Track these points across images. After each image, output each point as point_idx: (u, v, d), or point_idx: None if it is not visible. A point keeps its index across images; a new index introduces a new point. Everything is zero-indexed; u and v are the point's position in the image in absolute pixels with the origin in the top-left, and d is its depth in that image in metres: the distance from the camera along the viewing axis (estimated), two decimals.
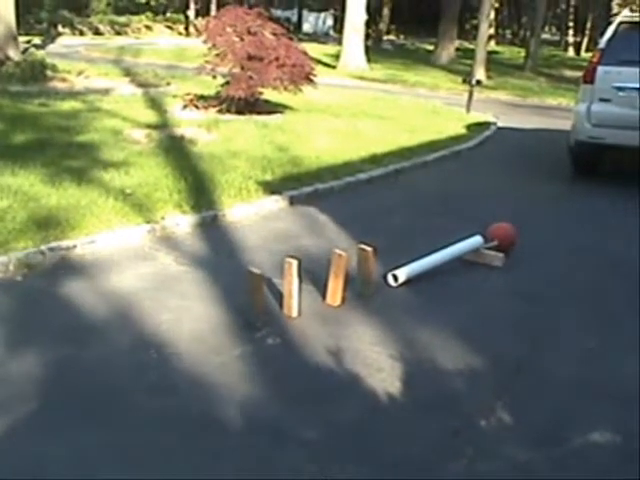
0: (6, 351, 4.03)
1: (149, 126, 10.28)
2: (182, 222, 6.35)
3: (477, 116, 14.29)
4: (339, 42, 27.16)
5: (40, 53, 17.75)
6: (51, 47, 23.12)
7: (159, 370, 3.93)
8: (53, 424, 3.40)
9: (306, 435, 3.42)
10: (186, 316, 4.60)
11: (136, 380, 3.83)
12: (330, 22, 39.99)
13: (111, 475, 3.06)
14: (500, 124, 13.80)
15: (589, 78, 8.94)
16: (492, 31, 39.12)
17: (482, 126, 13.20)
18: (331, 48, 29.30)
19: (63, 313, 4.56)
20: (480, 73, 21.58)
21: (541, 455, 3.34)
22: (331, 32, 38.51)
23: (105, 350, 4.11)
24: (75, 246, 5.55)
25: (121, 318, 4.52)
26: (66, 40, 30.64)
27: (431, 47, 33.45)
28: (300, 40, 17.43)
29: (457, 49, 31.26)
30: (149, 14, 40.02)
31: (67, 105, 11.48)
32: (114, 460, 3.16)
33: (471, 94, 14.80)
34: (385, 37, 41.27)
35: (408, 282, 5.31)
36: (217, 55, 11.95)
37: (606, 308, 5.16)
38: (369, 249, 5.02)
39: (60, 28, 31.72)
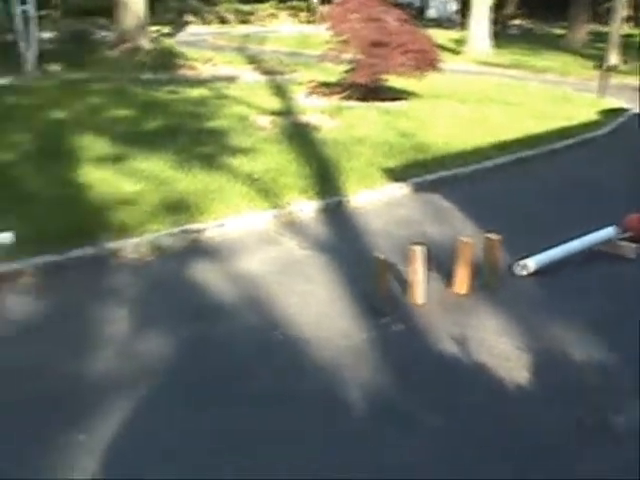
0: (138, 328, 4.18)
1: (274, 113, 10.41)
2: (307, 207, 6.41)
3: (611, 102, 13.70)
4: (464, 27, 26.67)
5: (169, 42, 18.30)
6: (179, 36, 23.68)
7: (285, 352, 3.98)
8: (182, 400, 3.51)
9: (432, 421, 3.39)
10: (312, 300, 4.64)
11: (263, 361, 3.90)
12: (455, 7, 39.25)
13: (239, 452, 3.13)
14: (636, 110, 13.19)
15: None
16: (627, 13, 37.43)
17: (616, 112, 12.64)
18: (456, 33, 28.74)
19: (193, 293, 4.69)
20: (614, 57, 20.68)
21: None
22: (456, 17, 37.83)
23: (234, 330, 4.20)
24: (205, 229, 5.71)
25: (249, 300, 4.60)
26: (194, 29, 31.38)
27: (561, 31, 32.35)
28: (424, 26, 17.18)
29: (589, 33, 30.08)
30: (273, 2, 40.45)
31: (196, 92, 11.78)
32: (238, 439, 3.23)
33: (604, 79, 14.21)
34: (512, 21, 40.23)
35: (536, 273, 5.16)
36: (341, 42, 11.96)
37: None
38: (496, 238, 4.91)
39: (188, 17, 32.53)
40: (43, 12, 17.31)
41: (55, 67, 13.55)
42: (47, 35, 16.06)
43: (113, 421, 3.30)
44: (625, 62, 21.53)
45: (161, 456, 3.10)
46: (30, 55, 13.04)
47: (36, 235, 5.13)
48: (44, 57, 13.49)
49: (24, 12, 12.96)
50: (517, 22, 41.25)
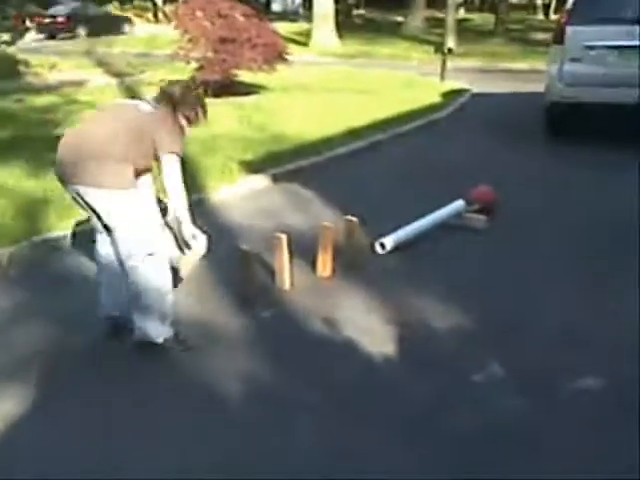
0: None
1: None
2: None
3: (451, 84, 14.39)
4: (309, 20, 27.12)
5: (10, 49, 17.66)
6: (21, 43, 22.93)
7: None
8: None
9: (304, 399, 3.56)
10: (179, 295, 4.69)
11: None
12: (299, 0, 39.78)
13: None
14: (475, 90, 13.91)
15: (559, 39, 9.06)
16: None
17: (457, 93, 13.32)
18: (301, 26, 29.23)
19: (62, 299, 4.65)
20: (451, 41, 21.62)
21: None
22: (300, 10, 38.32)
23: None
24: (65, 237, 5.64)
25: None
26: (36, 34, 30.40)
27: (401, 19, 33.43)
28: (270, 20, 17.39)
29: (427, 19, 31.24)
30: (116, 3, 39.65)
31: (43, 99, 11.49)
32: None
33: (444, 63, 14.90)
34: (355, 11, 41.17)
35: (395, 250, 5.44)
36: (189, 40, 11.99)
37: (586, 258, 5.32)
38: (355, 220, 5.14)
39: (28, 23, 31.43)
40: None
41: None
42: None
43: None
44: (461, 45, 22.52)
45: None
46: None
47: None
48: None
49: None
50: (360, 12, 42.21)
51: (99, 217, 3.85)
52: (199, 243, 4.06)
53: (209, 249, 4.12)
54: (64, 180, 3.80)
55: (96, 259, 4.15)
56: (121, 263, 3.92)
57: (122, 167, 3.71)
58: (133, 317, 3.96)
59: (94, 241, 4.10)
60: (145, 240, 3.80)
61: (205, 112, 4.12)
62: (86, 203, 3.81)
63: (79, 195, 3.79)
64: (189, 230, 4.00)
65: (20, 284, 4.98)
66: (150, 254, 3.81)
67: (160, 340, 3.96)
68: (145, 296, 3.88)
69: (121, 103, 4.36)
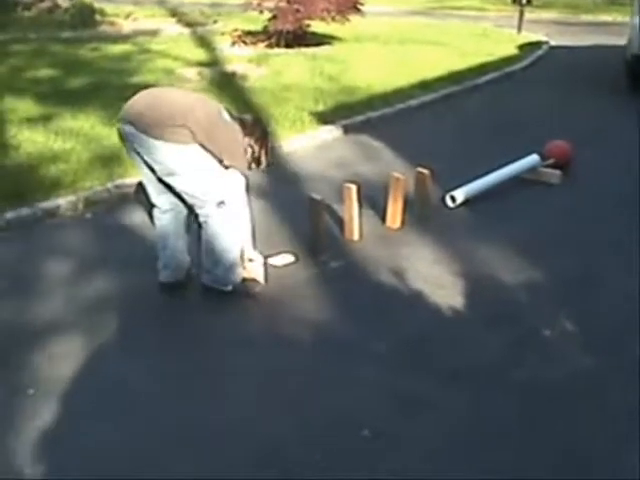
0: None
1: (200, 64, 10.35)
2: None
3: (529, 36, 13.99)
4: None
5: None
6: None
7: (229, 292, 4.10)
8: None
9: (375, 348, 3.57)
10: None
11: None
12: None
13: None
14: (553, 43, 13.50)
15: None
16: None
17: (534, 46, 12.94)
18: None
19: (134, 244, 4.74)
20: None
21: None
22: None
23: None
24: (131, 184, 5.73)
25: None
26: None
27: None
28: None
29: None
30: None
31: (118, 48, 11.59)
32: None
33: (522, 14, 14.47)
34: None
35: (466, 203, 5.37)
36: None
37: None
38: (426, 171, 5.08)
39: None
40: None
41: None
42: None
43: None
44: None
45: None
46: None
47: None
48: None
49: None
50: None
51: (157, 174, 3.85)
52: (255, 268, 4.17)
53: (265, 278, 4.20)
54: (135, 126, 3.77)
55: (155, 225, 4.17)
56: (179, 220, 4.03)
57: (190, 137, 3.72)
58: (204, 262, 4.02)
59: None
60: (214, 188, 3.84)
61: (267, 151, 4.16)
62: (147, 159, 3.80)
63: (142, 148, 3.77)
64: (248, 253, 4.13)
65: (95, 227, 5.10)
66: (221, 202, 3.85)
67: (229, 288, 4.02)
68: (217, 245, 3.94)
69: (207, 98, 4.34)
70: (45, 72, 9.63)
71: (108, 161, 6.01)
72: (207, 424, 3.02)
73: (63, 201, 5.33)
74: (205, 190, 3.83)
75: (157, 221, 4.11)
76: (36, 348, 3.56)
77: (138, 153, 3.81)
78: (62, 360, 3.46)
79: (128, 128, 3.77)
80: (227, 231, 3.92)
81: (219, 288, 4.02)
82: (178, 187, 3.85)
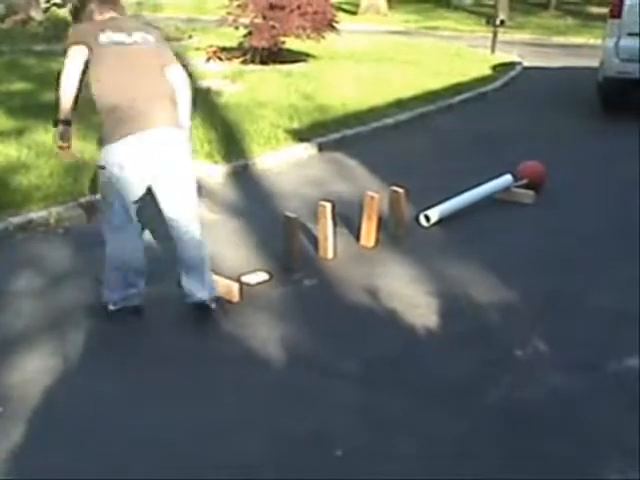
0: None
1: None
2: (214, 172, 6.45)
3: (502, 57, 14.13)
4: None
5: (62, 11, 17.72)
6: (71, 5, 22.99)
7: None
8: None
9: (347, 368, 3.55)
10: (222, 264, 4.68)
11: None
12: None
13: None
14: (526, 64, 13.66)
15: (616, 12, 8.82)
16: None
17: (507, 67, 13.07)
18: None
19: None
20: (503, 13, 21.20)
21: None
22: None
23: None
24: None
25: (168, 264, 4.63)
26: None
27: None
28: None
29: None
30: None
31: None
32: None
33: (495, 35, 14.63)
34: None
35: (440, 222, 5.39)
36: (238, 6, 11.92)
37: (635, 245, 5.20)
38: (401, 190, 5.09)
39: None
40: None
41: None
42: None
43: None
44: (513, 18, 22.10)
45: None
46: None
47: None
48: None
49: None
50: None
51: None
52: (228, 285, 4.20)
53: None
54: (141, 127, 3.60)
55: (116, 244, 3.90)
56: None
57: None
58: (191, 279, 3.93)
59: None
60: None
61: None
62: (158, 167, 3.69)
63: (148, 142, 3.63)
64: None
65: (67, 241, 5.05)
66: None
67: (213, 305, 3.97)
68: (206, 259, 3.94)
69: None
70: (18, 85, 9.57)
71: (81, 175, 5.95)
72: (175, 443, 2.97)
73: (35, 215, 5.27)
74: (196, 199, 3.91)
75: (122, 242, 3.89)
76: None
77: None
78: (29, 375, 3.41)
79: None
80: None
81: (206, 303, 3.94)
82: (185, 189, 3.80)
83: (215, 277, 4.09)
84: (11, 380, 3.40)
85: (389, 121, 8.61)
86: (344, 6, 23.53)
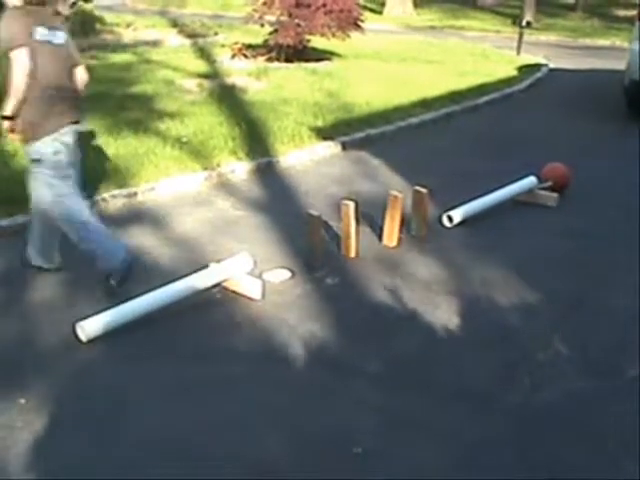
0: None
1: (200, 76, 10.37)
2: (238, 169, 6.48)
3: (528, 58, 14.04)
4: None
5: (88, 6, 17.84)
6: (98, 0, 23.17)
7: (224, 308, 4.09)
8: None
9: (368, 367, 3.55)
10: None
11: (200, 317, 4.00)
12: None
13: None
14: (552, 66, 13.57)
15: None
16: None
17: (533, 68, 12.98)
18: None
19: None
20: (530, 14, 21.06)
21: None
22: None
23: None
24: (136, 193, 5.72)
25: (185, 261, 4.66)
26: None
27: None
28: None
29: None
30: None
31: (119, 57, 11.61)
32: None
33: (521, 36, 14.54)
34: None
35: (463, 223, 5.37)
36: (264, 3, 11.92)
37: None
38: (424, 191, 5.08)
39: None
40: None
41: None
42: None
43: None
44: (540, 19, 21.96)
45: None
46: None
47: None
48: None
49: None
50: None
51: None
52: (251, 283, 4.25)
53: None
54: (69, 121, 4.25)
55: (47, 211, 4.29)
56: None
57: None
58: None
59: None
60: None
61: None
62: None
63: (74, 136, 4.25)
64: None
65: None
66: None
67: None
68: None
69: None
70: None
71: (106, 171, 5.99)
72: (195, 440, 3.00)
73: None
74: None
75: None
76: None
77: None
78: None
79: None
80: None
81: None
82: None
83: (238, 274, 4.10)
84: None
85: (414, 121, 8.59)
86: (370, 5, 23.49)
